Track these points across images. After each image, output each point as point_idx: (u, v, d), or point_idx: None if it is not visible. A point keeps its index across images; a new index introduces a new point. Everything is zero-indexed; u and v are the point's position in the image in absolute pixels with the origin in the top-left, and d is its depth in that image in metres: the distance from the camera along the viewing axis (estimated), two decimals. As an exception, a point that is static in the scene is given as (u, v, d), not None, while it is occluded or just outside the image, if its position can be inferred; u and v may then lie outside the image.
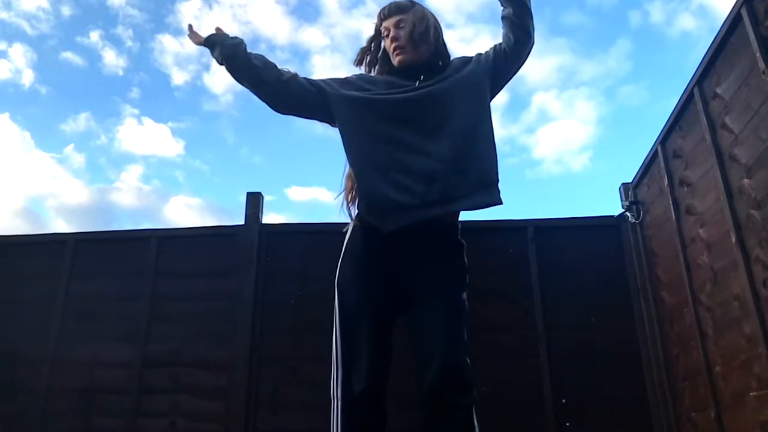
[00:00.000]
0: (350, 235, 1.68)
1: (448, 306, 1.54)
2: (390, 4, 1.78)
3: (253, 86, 1.65)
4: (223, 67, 1.66)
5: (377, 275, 1.59)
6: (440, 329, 1.50)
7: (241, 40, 1.65)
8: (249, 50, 1.65)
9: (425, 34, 1.72)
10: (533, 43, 1.75)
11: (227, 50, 1.63)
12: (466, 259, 1.66)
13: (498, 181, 1.64)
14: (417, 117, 1.62)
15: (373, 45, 1.83)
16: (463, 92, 1.67)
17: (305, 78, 1.70)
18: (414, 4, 1.78)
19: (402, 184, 1.54)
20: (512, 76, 1.79)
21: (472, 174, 1.57)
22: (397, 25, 1.73)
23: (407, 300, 1.58)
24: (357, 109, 1.65)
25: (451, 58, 1.81)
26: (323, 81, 1.72)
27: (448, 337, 1.49)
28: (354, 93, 1.68)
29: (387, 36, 1.75)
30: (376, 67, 1.83)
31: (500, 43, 1.74)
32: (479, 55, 1.76)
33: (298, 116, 1.75)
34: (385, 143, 1.60)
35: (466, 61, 1.77)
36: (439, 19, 1.81)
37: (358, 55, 1.85)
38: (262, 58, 1.66)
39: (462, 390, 1.47)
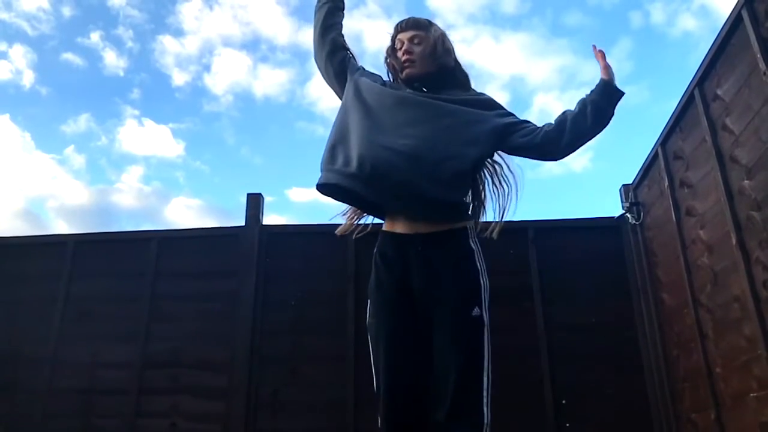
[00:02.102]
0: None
1: (456, 329, 1.50)
2: (408, 19, 1.82)
3: (315, 31, 1.89)
4: None
5: (392, 300, 1.59)
6: (445, 361, 1.47)
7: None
8: (340, 10, 1.91)
9: (444, 54, 1.76)
10: (555, 158, 1.74)
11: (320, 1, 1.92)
12: (479, 265, 1.59)
13: (432, 202, 1.56)
14: (383, 111, 1.66)
15: (391, 54, 1.87)
16: (445, 115, 1.65)
17: (351, 54, 1.87)
18: (432, 23, 1.82)
19: (337, 158, 1.63)
20: (517, 155, 1.76)
21: (395, 178, 1.53)
22: (411, 40, 1.76)
23: (425, 322, 1.55)
24: (349, 90, 1.75)
25: (471, 85, 1.82)
26: (358, 67, 1.84)
27: (451, 376, 1.46)
28: (358, 77, 1.77)
29: (400, 48, 1.79)
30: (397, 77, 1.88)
31: (536, 126, 1.69)
32: (513, 114, 1.73)
33: (322, 73, 1.88)
34: (355, 122, 1.67)
35: (491, 103, 1.74)
36: (438, 22, 1.86)
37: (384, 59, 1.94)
38: (338, 20, 1.89)
39: (463, 425, 1.45)
